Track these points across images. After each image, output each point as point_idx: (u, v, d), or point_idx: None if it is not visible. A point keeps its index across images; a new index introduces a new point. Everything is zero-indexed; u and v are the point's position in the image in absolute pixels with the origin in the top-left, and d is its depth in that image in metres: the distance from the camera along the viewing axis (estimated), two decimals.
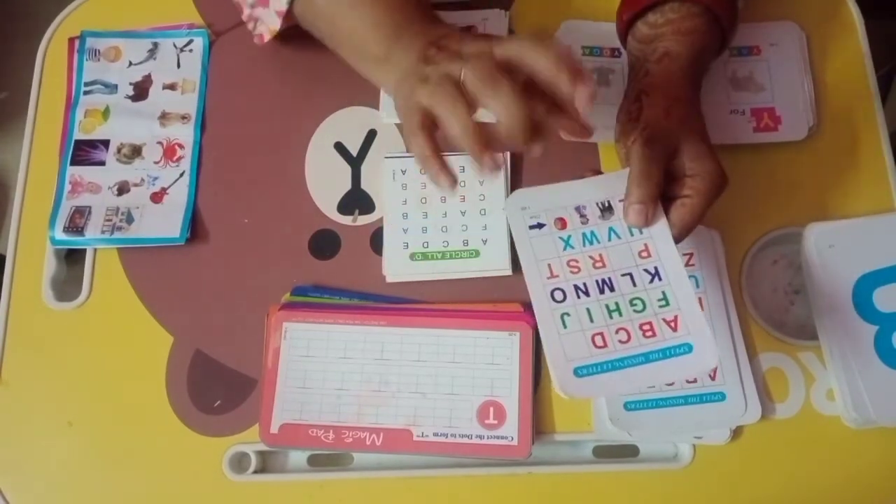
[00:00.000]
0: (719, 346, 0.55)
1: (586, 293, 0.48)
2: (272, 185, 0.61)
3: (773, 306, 0.58)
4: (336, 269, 0.59)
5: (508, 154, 0.60)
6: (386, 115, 0.62)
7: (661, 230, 0.49)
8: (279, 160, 0.62)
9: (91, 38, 0.65)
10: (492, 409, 0.54)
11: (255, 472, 0.55)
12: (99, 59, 0.65)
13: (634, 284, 0.48)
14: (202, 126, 0.63)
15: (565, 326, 0.47)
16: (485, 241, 0.58)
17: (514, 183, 0.60)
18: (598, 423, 0.55)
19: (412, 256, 0.58)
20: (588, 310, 0.48)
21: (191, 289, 0.59)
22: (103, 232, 0.59)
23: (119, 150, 0.62)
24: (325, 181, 0.61)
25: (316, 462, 0.56)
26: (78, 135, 0.63)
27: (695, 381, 0.54)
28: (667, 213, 0.49)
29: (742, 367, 0.55)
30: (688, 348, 0.47)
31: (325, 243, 0.60)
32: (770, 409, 0.55)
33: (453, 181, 0.46)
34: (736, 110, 0.61)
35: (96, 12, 0.67)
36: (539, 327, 0.47)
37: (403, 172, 0.60)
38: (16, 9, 1.31)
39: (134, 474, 0.55)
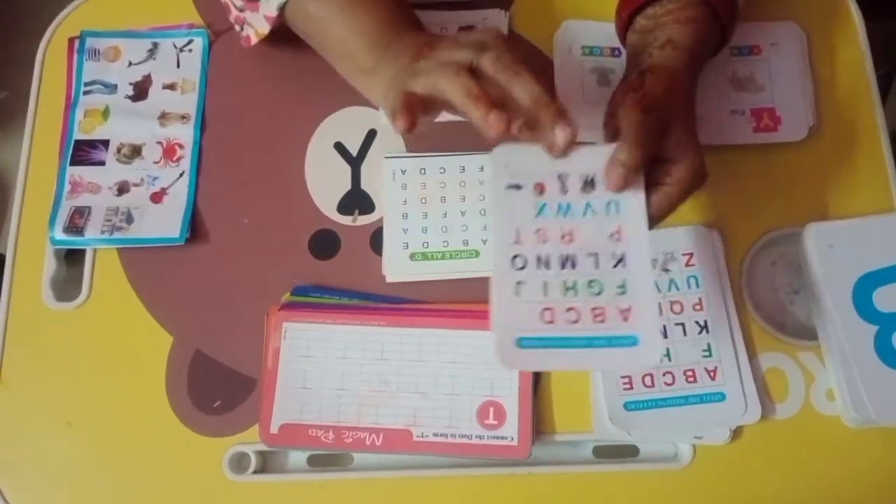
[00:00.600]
0: (720, 347, 0.55)
1: (547, 266, 0.47)
2: (272, 185, 0.61)
3: (773, 306, 0.58)
4: (336, 269, 0.59)
5: None
6: (386, 115, 0.62)
7: (636, 213, 0.47)
8: (279, 160, 0.62)
9: (91, 38, 0.65)
10: (492, 410, 0.54)
11: (255, 472, 0.55)
12: (99, 59, 0.65)
13: (597, 267, 0.47)
14: (202, 126, 0.63)
15: (517, 294, 0.47)
16: (485, 241, 0.58)
17: None
18: (598, 423, 0.55)
19: (412, 256, 0.58)
20: (545, 283, 0.47)
21: (191, 289, 0.59)
22: (103, 232, 0.59)
23: (119, 150, 0.62)
24: (324, 181, 0.61)
25: (316, 462, 0.56)
26: (78, 135, 0.63)
27: (695, 380, 0.54)
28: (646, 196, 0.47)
29: (742, 367, 0.55)
30: (633, 341, 0.45)
31: (325, 243, 0.60)
32: (770, 409, 0.55)
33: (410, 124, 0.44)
34: (736, 110, 0.61)
35: (96, 12, 0.67)
36: (492, 289, 0.47)
37: (403, 172, 0.60)
38: (16, 9, 1.31)
39: (134, 474, 0.55)
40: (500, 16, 0.64)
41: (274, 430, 0.54)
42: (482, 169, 0.60)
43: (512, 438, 0.54)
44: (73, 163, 0.62)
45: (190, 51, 0.65)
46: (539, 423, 0.55)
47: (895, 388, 0.53)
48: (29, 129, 0.64)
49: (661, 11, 0.53)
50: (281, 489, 0.55)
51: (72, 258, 0.61)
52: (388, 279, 0.58)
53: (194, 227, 0.60)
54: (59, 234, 0.59)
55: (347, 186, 0.61)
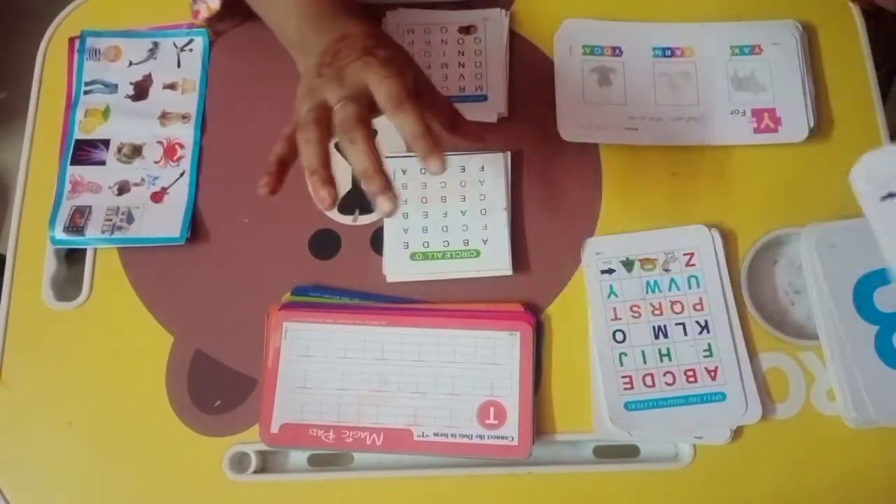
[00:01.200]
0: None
1: (643, 337, 0.55)
2: None
3: (773, 306, 0.58)
4: (336, 268, 0.59)
5: (509, 154, 0.60)
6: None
7: (715, 287, 0.56)
8: None
9: (91, 37, 0.65)
10: (492, 409, 0.54)
11: (255, 472, 0.55)
12: (99, 59, 0.65)
13: (685, 334, 0.55)
14: (202, 126, 0.63)
15: (622, 364, 0.55)
16: (485, 241, 0.58)
17: (514, 183, 0.60)
18: (599, 423, 0.55)
19: (413, 256, 0.58)
20: (643, 352, 0.55)
21: (191, 289, 0.59)
22: (103, 232, 0.59)
23: (119, 150, 0.62)
24: None
25: (316, 462, 0.56)
26: (78, 134, 0.63)
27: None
28: None
29: (742, 367, 0.55)
30: (722, 396, 0.54)
31: (325, 243, 0.60)
32: (770, 408, 0.55)
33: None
34: (737, 111, 0.61)
35: (96, 12, 0.67)
36: (597, 362, 0.55)
37: (404, 172, 0.60)
38: (16, 9, 1.31)
39: (134, 474, 0.55)
40: (500, 15, 0.64)
41: (274, 429, 0.54)
42: (483, 169, 0.60)
43: (512, 438, 0.54)
44: (74, 162, 0.62)
45: (190, 50, 0.65)
46: (539, 422, 0.55)
47: (895, 387, 0.53)
48: (29, 129, 0.64)
49: None
50: (281, 489, 0.55)
51: (72, 258, 0.61)
52: (389, 279, 0.58)
53: (195, 226, 0.60)
54: (60, 234, 0.59)
55: (348, 186, 0.61)
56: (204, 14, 0.59)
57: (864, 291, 0.55)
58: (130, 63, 0.65)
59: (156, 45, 0.65)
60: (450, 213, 0.59)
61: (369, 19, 0.52)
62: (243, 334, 0.57)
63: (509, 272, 0.57)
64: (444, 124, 0.53)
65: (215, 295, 0.59)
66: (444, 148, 0.46)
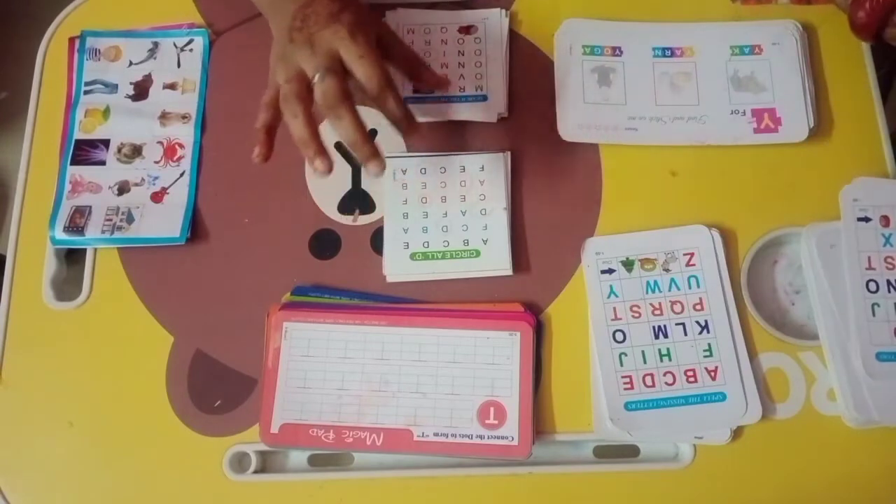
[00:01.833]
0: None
1: (643, 337, 0.55)
2: (272, 185, 0.61)
3: (773, 306, 0.58)
4: (336, 268, 0.59)
5: (509, 154, 0.60)
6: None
7: (715, 286, 0.56)
8: (279, 160, 0.62)
9: (91, 37, 0.65)
10: (492, 409, 0.54)
11: (256, 472, 0.55)
12: (99, 59, 0.65)
13: (686, 334, 0.55)
14: (202, 126, 0.63)
15: (622, 364, 0.54)
16: (485, 241, 0.58)
17: (515, 182, 0.60)
18: (599, 423, 0.55)
19: (413, 256, 0.58)
20: (643, 352, 0.55)
21: (191, 289, 0.59)
22: (103, 232, 0.59)
23: (119, 150, 0.62)
24: (325, 181, 0.61)
25: (316, 462, 0.56)
26: (78, 134, 0.63)
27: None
28: None
29: (743, 367, 0.55)
30: (722, 397, 0.54)
31: (325, 243, 0.60)
32: (771, 409, 0.55)
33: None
34: (737, 111, 0.61)
35: (96, 12, 0.67)
36: (597, 362, 0.55)
37: (404, 172, 0.60)
38: (16, 9, 1.31)
39: (134, 474, 0.55)
40: (499, 15, 0.64)
41: (274, 429, 0.54)
42: (483, 169, 0.60)
43: (512, 438, 0.54)
44: (74, 162, 0.62)
45: (190, 50, 0.65)
46: (540, 422, 0.55)
47: None
48: (29, 129, 0.64)
49: None
50: (281, 489, 0.55)
51: (72, 258, 0.61)
52: (389, 279, 0.58)
53: (195, 226, 0.60)
54: (60, 234, 0.59)
55: (348, 186, 0.61)
56: None
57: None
58: (130, 63, 0.65)
59: (156, 45, 0.65)
60: (450, 213, 0.59)
61: None
62: (243, 334, 0.57)
63: (509, 272, 0.57)
64: (409, 74, 0.59)
65: (215, 295, 0.59)
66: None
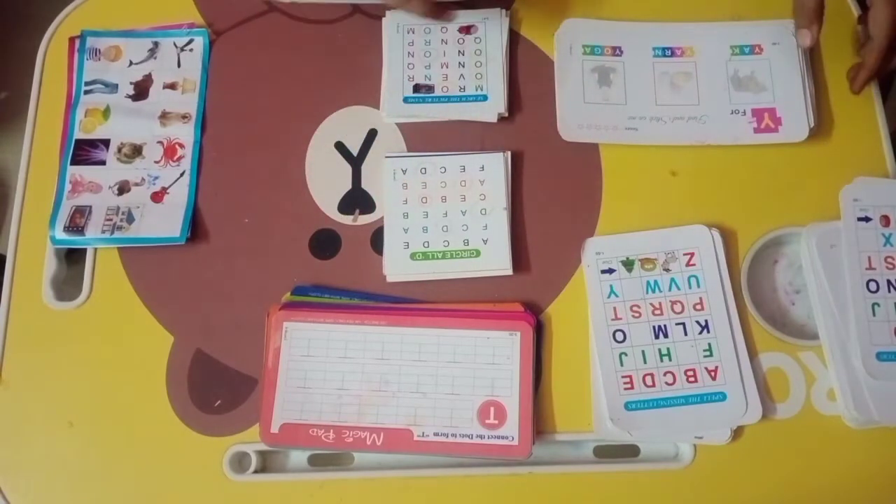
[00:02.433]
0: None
1: (643, 337, 0.55)
2: (272, 185, 0.61)
3: (773, 306, 0.58)
4: (336, 268, 0.59)
5: (509, 154, 0.60)
6: (386, 115, 0.62)
7: (715, 285, 0.56)
8: (279, 160, 0.62)
9: (91, 37, 0.65)
10: (492, 409, 0.54)
11: (256, 471, 0.55)
12: (99, 59, 0.65)
13: (686, 334, 0.55)
14: (202, 125, 0.63)
15: (622, 364, 0.54)
16: (485, 241, 0.58)
17: (514, 183, 0.60)
18: (599, 422, 0.55)
19: (413, 256, 0.58)
20: (643, 352, 0.55)
21: (191, 288, 0.59)
22: (104, 231, 0.59)
23: (119, 150, 0.62)
24: (325, 181, 0.61)
25: (316, 462, 0.56)
26: (78, 134, 0.63)
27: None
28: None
29: (743, 367, 0.55)
30: (722, 396, 0.54)
31: (325, 243, 0.60)
32: (771, 408, 0.55)
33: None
34: (737, 110, 0.61)
35: (96, 12, 0.67)
36: (598, 362, 0.55)
37: (404, 172, 0.60)
38: (16, 9, 1.30)
39: (134, 474, 0.55)
40: (499, 15, 0.64)
41: (274, 429, 0.54)
42: (483, 168, 0.60)
43: (513, 438, 0.54)
44: (74, 162, 0.62)
45: (191, 50, 0.65)
46: (540, 422, 0.55)
47: None
48: (29, 129, 0.64)
49: None
50: (281, 489, 0.55)
51: (72, 258, 0.61)
52: (389, 279, 0.58)
53: (195, 226, 0.60)
54: (60, 234, 0.59)
55: (348, 186, 0.61)
56: None
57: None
58: (130, 63, 0.65)
59: (156, 44, 0.65)
60: (450, 212, 0.59)
61: None
62: (243, 334, 0.57)
63: (509, 272, 0.57)
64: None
65: (215, 295, 0.59)
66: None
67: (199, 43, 0.65)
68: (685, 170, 0.61)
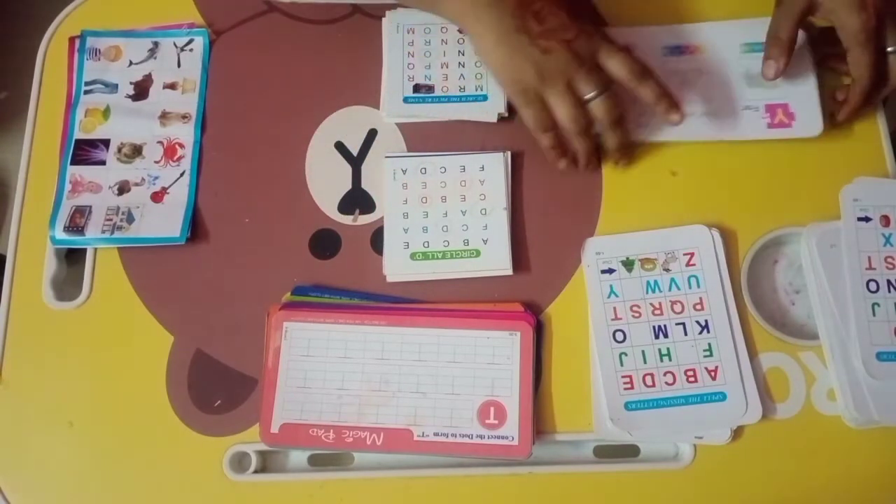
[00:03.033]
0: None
1: (643, 337, 0.55)
2: (272, 185, 0.61)
3: (774, 306, 0.58)
4: (336, 268, 0.59)
5: (509, 154, 0.60)
6: (386, 115, 0.62)
7: (715, 285, 0.56)
8: (279, 160, 0.62)
9: (91, 37, 0.65)
10: (492, 409, 0.54)
11: (256, 471, 0.55)
12: (99, 59, 0.65)
13: (686, 334, 0.55)
14: (202, 126, 0.63)
15: (622, 364, 0.54)
16: (485, 241, 0.58)
17: (514, 183, 0.60)
18: (599, 422, 0.55)
19: (413, 256, 0.58)
20: (643, 352, 0.55)
21: (191, 288, 0.59)
22: (104, 231, 0.59)
23: (119, 150, 0.62)
24: (325, 181, 0.61)
25: (316, 462, 0.56)
26: (78, 134, 0.63)
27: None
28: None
29: (743, 367, 0.55)
30: (722, 396, 0.54)
31: (325, 243, 0.60)
32: (771, 408, 0.55)
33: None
34: (749, 106, 0.60)
35: (97, 12, 0.67)
36: (598, 362, 0.55)
37: (404, 172, 0.60)
38: (16, 8, 1.31)
39: (134, 474, 0.55)
40: None
41: (274, 429, 0.54)
42: (483, 169, 0.60)
43: (513, 438, 0.54)
44: (74, 162, 0.62)
45: (191, 50, 0.65)
46: (540, 422, 0.55)
47: None
48: (29, 129, 0.64)
49: None
50: (281, 489, 0.55)
51: (72, 258, 0.61)
52: (389, 279, 0.58)
53: (195, 226, 0.60)
54: (60, 234, 0.59)
55: (348, 186, 0.61)
56: None
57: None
58: (130, 63, 0.65)
59: (156, 44, 0.65)
60: (450, 212, 0.59)
61: None
62: (243, 334, 0.57)
63: (509, 272, 0.57)
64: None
65: (215, 295, 0.59)
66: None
67: (199, 43, 0.65)
68: (685, 170, 0.61)
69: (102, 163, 0.62)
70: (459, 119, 0.62)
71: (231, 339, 0.57)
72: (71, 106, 0.64)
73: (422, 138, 0.62)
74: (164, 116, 0.63)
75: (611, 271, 0.57)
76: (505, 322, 0.56)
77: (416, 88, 0.62)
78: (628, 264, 0.57)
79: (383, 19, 0.65)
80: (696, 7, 0.65)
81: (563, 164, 0.58)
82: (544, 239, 0.59)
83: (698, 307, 0.56)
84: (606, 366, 0.55)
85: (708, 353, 0.55)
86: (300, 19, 0.66)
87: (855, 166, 0.60)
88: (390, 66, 0.63)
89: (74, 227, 0.59)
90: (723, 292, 0.56)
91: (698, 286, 0.57)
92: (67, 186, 0.61)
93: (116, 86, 0.64)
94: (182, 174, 0.62)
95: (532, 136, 0.60)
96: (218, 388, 0.56)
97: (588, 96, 0.54)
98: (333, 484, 0.54)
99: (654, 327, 0.56)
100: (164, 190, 0.61)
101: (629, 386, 0.55)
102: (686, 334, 0.56)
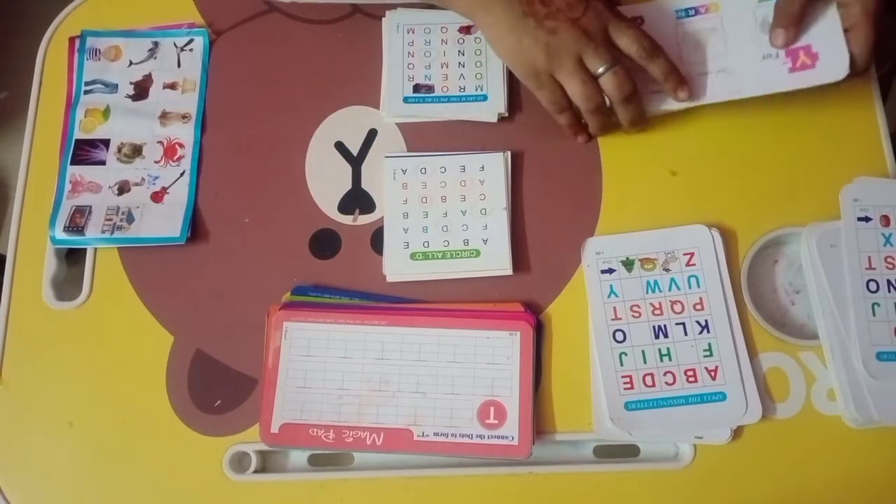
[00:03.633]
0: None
1: (643, 336, 0.55)
2: (272, 185, 0.61)
3: (774, 306, 0.58)
4: (336, 268, 0.59)
5: (509, 154, 0.60)
6: (386, 115, 0.62)
7: (715, 286, 0.56)
8: (279, 160, 0.62)
9: (91, 37, 0.65)
10: (492, 409, 0.54)
11: (256, 471, 0.55)
12: (99, 59, 0.65)
13: (686, 334, 0.55)
14: (202, 126, 0.63)
15: (622, 364, 0.54)
16: (485, 241, 0.58)
17: (515, 182, 0.60)
18: (599, 422, 0.55)
19: (413, 256, 0.58)
20: (643, 352, 0.55)
21: (191, 288, 0.59)
22: (104, 231, 0.59)
23: (119, 150, 0.62)
24: (325, 181, 0.61)
25: (316, 462, 0.56)
26: (78, 134, 0.63)
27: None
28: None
29: (743, 367, 0.55)
30: (722, 396, 0.54)
31: (325, 243, 0.60)
32: (771, 408, 0.55)
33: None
34: (769, 55, 0.58)
35: (97, 12, 0.67)
36: (598, 362, 0.55)
37: (404, 172, 0.60)
38: (16, 8, 1.31)
39: (134, 474, 0.55)
40: None
41: (274, 429, 0.54)
42: (483, 168, 0.60)
43: (512, 438, 0.54)
44: (74, 162, 0.62)
45: (191, 50, 0.65)
46: (540, 422, 0.55)
47: None
48: (29, 129, 0.64)
49: None
50: (281, 489, 0.55)
51: (72, 258, 0.61)
52: (389, 279, 0.58)
53: (195, 226, 0.60)
54: (60, 234, 0.59)
55: (348, 186, 0.61)
56: None
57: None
58: (130, 63, 0.65)
59: (156, 44, 0.65)
60: (450, 212, 0.59)
61: None
62: (243, 334, 0.57)
63: (509, 272, 0.57)
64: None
65: (216, 294, 0.59)
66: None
67: (199, 43, 0.65)
68: (685, 170, 0.61)
69: (102, 163, 0.62)
70: (459, 119, 0.62)
71: (231, 339, 0.57)
72: (71, 106, 0.64)
73: (422, 138, 0.62)
74: (164, 116, 0.63)
75: (611, 271, 0.57)
76: (505, 322, 0.56)
77: (416, 88, 0.62)
78: (628, 264, 0.57)
79: (383, 19, 0.65)
80: None
81: (582, 139, 0.60)
82: (544, 239, 0.59)
83: (698, 307, 0.56)
84: (606, 366, 0.55)
85: (708, 353, 0.55)
86: (300, 19, 0.66)
87: (855, 166, 0.60)
88: (390, 65, 0.63)
89: (74, 227, 0.59)
90: (723, 292, 0.56)
91: (698, 286, 0.57)
92: (67, 186, 0.61)
93: (116, 86, 0.64)
94: (182, 174, 0.62)
95: (532, 137, 0.60)
96: (218, 388, 0.56)
97: (598, 71, 0.54)
98: (333, 484, 0.54)
99: (654, 327, 0.56)
100: (164, 190, 0.61)
101: (629, 386, 0.55)
102: (686, 334, 0.56)
